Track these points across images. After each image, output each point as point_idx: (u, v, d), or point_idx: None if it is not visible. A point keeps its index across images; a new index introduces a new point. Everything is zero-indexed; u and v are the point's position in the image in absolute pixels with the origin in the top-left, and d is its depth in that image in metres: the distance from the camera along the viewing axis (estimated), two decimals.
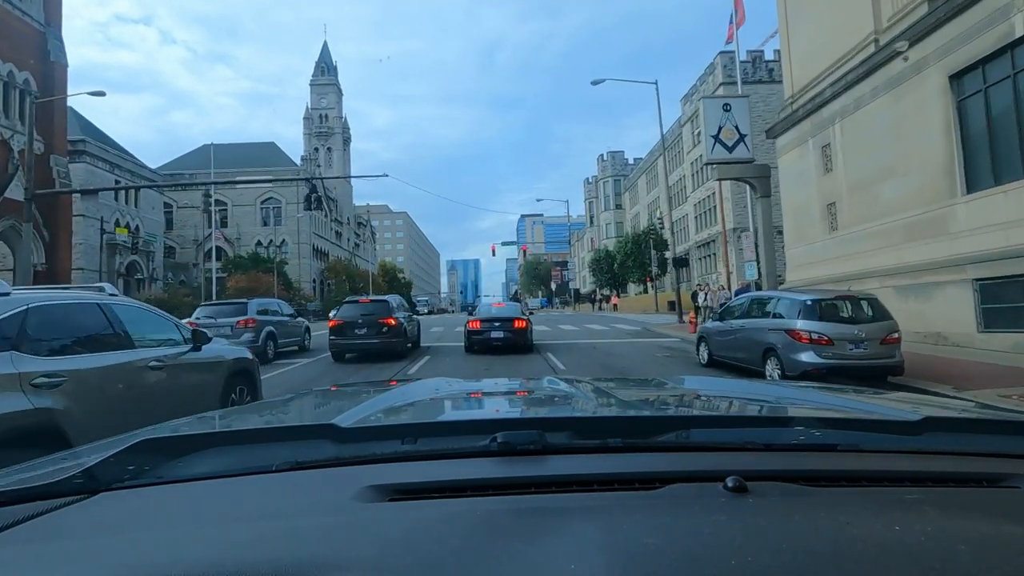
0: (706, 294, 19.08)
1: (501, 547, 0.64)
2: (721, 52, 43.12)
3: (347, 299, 13.85)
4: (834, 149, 14.81)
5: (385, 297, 13.24)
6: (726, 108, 19.58)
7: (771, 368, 7.89)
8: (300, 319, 15.44)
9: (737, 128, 19.43)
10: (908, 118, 12.13)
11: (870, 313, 7.79)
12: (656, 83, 21.92)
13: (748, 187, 21.47)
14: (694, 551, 0.61)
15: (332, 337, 12.45)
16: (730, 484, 0.77)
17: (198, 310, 12.81)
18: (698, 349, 10.90)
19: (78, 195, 44.28)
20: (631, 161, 73.99)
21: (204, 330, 4.90)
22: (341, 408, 1.46)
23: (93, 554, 0.69)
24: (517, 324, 13.29)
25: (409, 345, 14.72)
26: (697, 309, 18.30)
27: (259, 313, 12.81)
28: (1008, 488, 0.84)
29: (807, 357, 7.35)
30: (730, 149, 19.38)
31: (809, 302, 7.63)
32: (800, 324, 7.52)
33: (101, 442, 1.15)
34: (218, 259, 56.96)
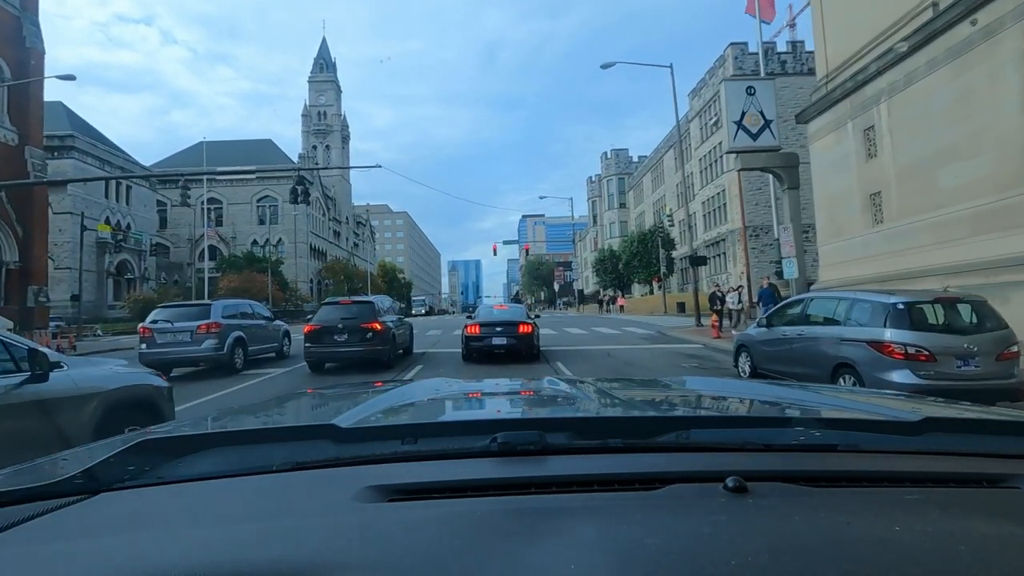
0: (739, 294, 16.99)
1: (501, 547, 0.63)
2: (732, 43, 41.48)
3: (326, 300, 12.18)
4: (879, 131, 13.12)
5: (370, 298, 11.56)
6: (750, 92, 17.93)
7: None
8: (278, 322, 13.73)
9: (762, 113, 17.78)
10: (976, 91, 10.44)
11: (974, 320, 6.13)
12: (671, 66, 20.28)
13: (773, 179, 19.80)
14: (694, 551, 0.61)
15: (308, 344, 10.77)
16: (730, 484, 0.76)
17: (153, 313, 11.13)
18: (736, 360, 9.23)
19: (68, 193, 42.89)
20: (635, 159, 72.22)
21: (45, 350, 3.22)
22: (341, 408, 1.45)
23: (93, 554, 0.69)
24: (522, 329, 11.62)
25: (400, 352, 13.08)
26: (719, 312, 16.43)
27: (226, 316, 11.13)
28: (1008, 488, 0.83)
29: (900, 377, 5.69)
30: (754, 136, 17.72)
31: (900, 306, 5.95)
32: (890, 334, 5.85)
33: (101, 442, 1.16)
34: (213, 258, 55.54)
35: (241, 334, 11.28)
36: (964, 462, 0.93)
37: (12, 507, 0.81)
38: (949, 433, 1.06)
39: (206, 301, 11.48)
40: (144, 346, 10.52)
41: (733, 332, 13.82)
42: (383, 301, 12.23)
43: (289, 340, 14.18)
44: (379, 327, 10.69)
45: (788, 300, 8.41)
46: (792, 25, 49.53)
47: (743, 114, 17.72)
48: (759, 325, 8.55)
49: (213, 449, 1.01)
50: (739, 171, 21.55)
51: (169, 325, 10.51)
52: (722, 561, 0.59)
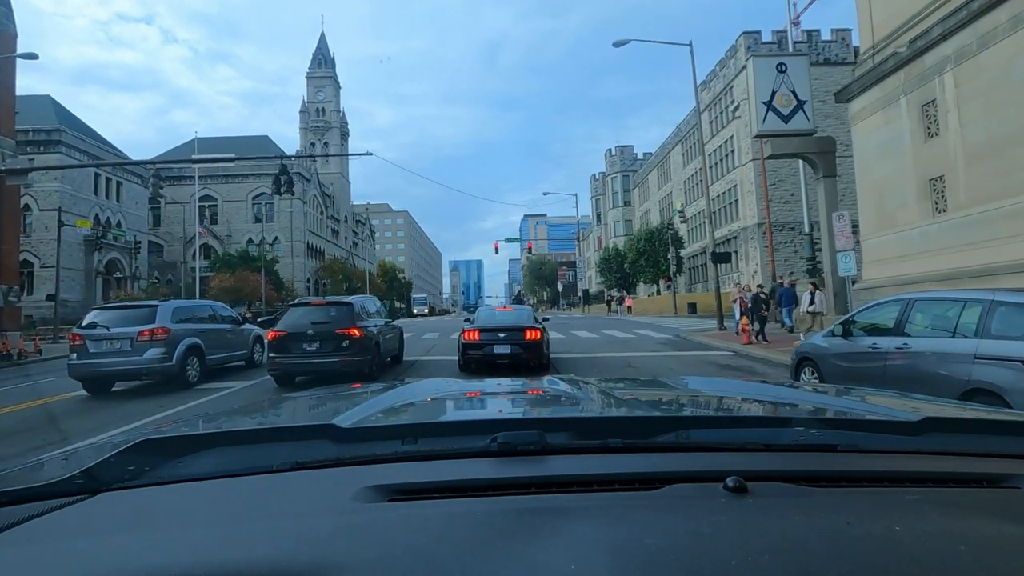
0: (814, 294, 13.01)
1: (501, 547, 0.63)
2: (744, 32, 39.83)
3: (295, 302, 10.40)
4: (943, 106, 11.33)
5: (348, 299, 9.73)
6: (780, 69, 16.18)
7: None
8: (248, 326, 11.92)
9: (795, 93, 16.02)
10: None
11: None
12: (691, 44, 18.48)
13: (804, 168, 18.00)
14: (694, 551, 0.61)
15: (272, 355, 8.97)
16: (730, 484, 0.75)
17: (89, 315, 9.32)
18: (796, 375, 7.44)
19: (54, 189, 41.39)
20: (640, 156, 70.45)
21: None
22: (340, 408, 1.46)
23: (93, 554, 0.68)
24: (529, 335, 9.85)
25: (388, 360, 11.33)
26: (763, 318, 13.95)
27: (178, 320, 9.35)
28: (1008, 488, 0.82)
29: None
30: (786, 119, 15.97)
31: None
32: None
33: (101, 442, 1.14)
34: (208, 257, 53.93)
35: (197, 341, 9.48)
36: (964, 462, 0.92)
37: (12, 507, 0.81)
38: (949, 433, 1.05)
39: (153, 302, 9.69)
40: (75, 356, 8.75)
41: (801, 338, 11.17)
42: (366, 303, 10.43)
43: (262, 346, 12.37)
44: (358, 333, 8.89)
45: (873, 303, 6.60)
46: (796, 23, 47.92)
47: (773, 94, 15.96)
48: (832, 334, 6.74)
49: (213, 449, 1.00)
50: (757, 160, 19.79)
51: (106, 331, 8.72)
52: (722, 561, 0.58)
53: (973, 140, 10.67)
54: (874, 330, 6.17)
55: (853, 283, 13.49)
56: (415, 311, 69.91)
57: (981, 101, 10.44)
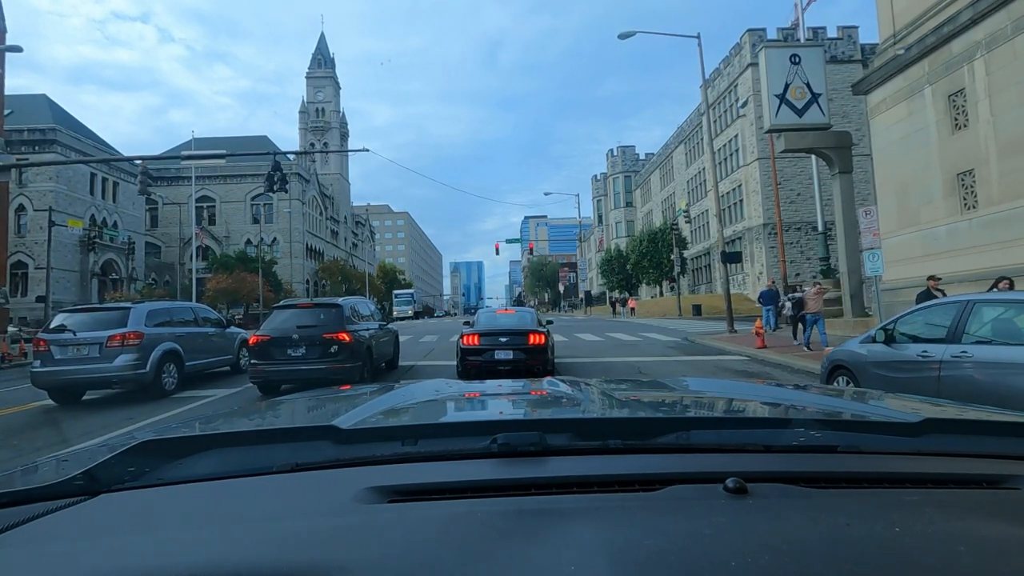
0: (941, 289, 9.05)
1: (501, 548, 0.63)
2: (749, 30, 39.13)
3: (279, 304, 9.69)
4: (972, 95, 10.66)
5: (337, 300, 9.04)
6: (794, 60, 15.49)
7: None
8: (234, 329, 11.20)
9: (808, 86, 15.34)
10: None
11: None
12: (698, 36, 17.81)
13: (818, 163, 17.32)
14: (694, 552, 0.61)
15: (254, 361, 8.28)
16: (730, 485, 0.75)
17: (57, 318, 8.62)
18: (828, 383, 6.75)
19: (49, 189, 40.89)
20: (642, 156, 69.87)
21: None
22: (340, 409, 1.46)
23: (93, 556, 0.68)
24: (532, 339, 9.17)
25: (382, 366, 10.66)
26: (800, 319, 12.71)
27: (154, 323, 8.65)
28: (1008, 490, 0.81)
29: None
30: (800, 112, 15.28)
31: None
32: None
33: (101, 443, 1.13)
34: (206, 258, 53.28)
35: (174, 346, 8.79)
36: (964, 463, 0.91)
37: (13, 508, 0.80)
38: (949, 434, 1.03)
39: (126, 304, 8.97)
40: (38, 363, 8.07)
41: (828, 348, 9.35)
42: (357, 304, 9.72)
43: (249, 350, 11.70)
44: (347, 338, 8.20)
45: (921, 306, 5.91)
46: (796, 25, 47.28)
47: (787, 86, 15.28)
48: (872, 340, 6.04)
49: (213, 450, 0.99)
50: (762, 159, 19.12)
51: (72, 336, 8.03)
52: (722, 562, 0.58)
53: (1007, 131, 9.99)
54: (922, 336, 5.48)
55: (863, 283, 12.81)
56: (395, 312, 59.04)
57: (1016, 89, 9.77)
